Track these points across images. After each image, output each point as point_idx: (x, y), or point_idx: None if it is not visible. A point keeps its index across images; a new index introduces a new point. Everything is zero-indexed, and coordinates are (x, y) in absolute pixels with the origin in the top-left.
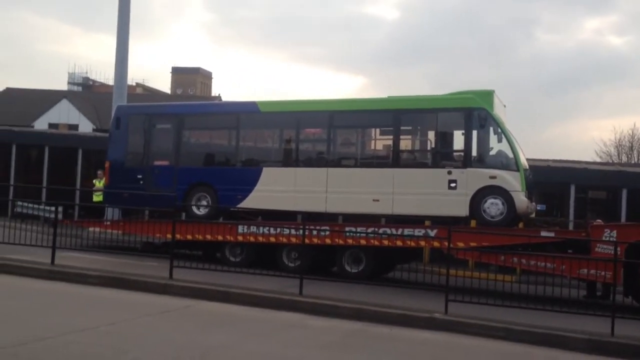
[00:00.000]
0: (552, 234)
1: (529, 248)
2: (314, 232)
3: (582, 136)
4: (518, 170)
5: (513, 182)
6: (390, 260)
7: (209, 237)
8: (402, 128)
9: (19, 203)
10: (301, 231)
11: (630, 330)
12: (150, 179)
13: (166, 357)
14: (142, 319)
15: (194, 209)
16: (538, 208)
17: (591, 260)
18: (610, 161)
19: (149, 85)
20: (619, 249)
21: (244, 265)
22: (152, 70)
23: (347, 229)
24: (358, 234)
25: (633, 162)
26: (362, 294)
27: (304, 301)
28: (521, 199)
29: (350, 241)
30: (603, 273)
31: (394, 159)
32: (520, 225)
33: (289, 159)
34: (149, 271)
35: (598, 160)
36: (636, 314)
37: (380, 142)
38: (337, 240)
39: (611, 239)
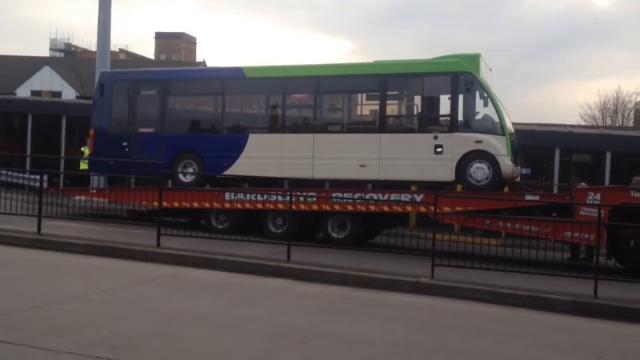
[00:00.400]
0: (536, 198)
1: (514, 212)
2: (301, 199)
3: (568, 99)
4: (504, 134)
5: (499, 147)
6: (374, 225)
7: (195, 204)
8: (388, 93)
9: (3, 172)
10: (287, 197)
11: (612, 292)
12: (136, 146)
13: (156, 324)
14: (131, 287)
15: (180, 176)
16: (523, 172)
17: (575, 223)
18: (595, 124)
19: (133, 51)
20: (602, 211)
21: (230, 232)
22: (135, 36)
23: (334, 194)
24: (345, 200)
25: (617, 125)
26: (349, 259)
27: (290, 267)
28: (506, 163)
29: (337, 207)
30: (587, 236)
31: (380, 124)
32: (506, 189)
33: (275, 125)
34: (136, 239)
35: (583, 123)
36: (618, 275)
37: (366, 108)
38: (324, 206)
39: (595, 202)
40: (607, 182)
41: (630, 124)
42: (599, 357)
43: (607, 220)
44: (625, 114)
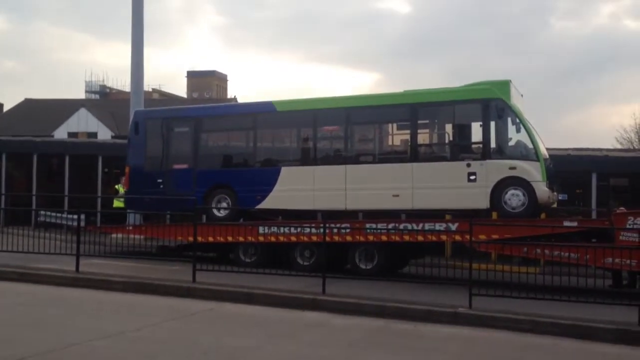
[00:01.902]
0: (575, 224)
1: (552, 239)
2: (334, 230)
3: (602, 123)
4: (538, 160)
5: (533, 172)
6: (402, 256)
7: (230, 238)
8: (419, 122)
9: (42, 212)
10: (319, 230)
11: None
12: (170, 182)
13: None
14: (168, 323)
15: (215, 211)
16: (560, 197)
17: (616, 249)
18: (631, 147)
19: (165, 90)
20: None
21: (258, 265)
22: (167, 75)
23: (367, 225)
24: (379, 231)
25: None
26: (384, 291)
27: (326, 300)
28: (542, 189)
29: (371, 238)
30: (628, 261)
31: (412, 154)
32: (543, 215)
33: (307, 157)
34: (171, 275)
35: (619, 146)
36: None
37: (397, 137)
38: (352, 237)
39: (635, 226)
40: None
41: None
42: None
43: None
44: None
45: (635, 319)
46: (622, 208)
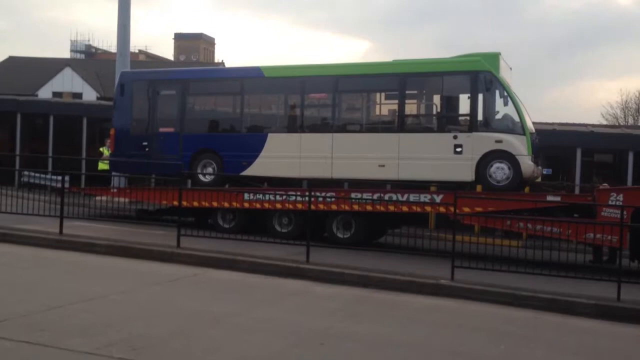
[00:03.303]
0: (558, 199)
1: (535, 213)
2: (320, 199)
3: (589, 98)
4: (524, 134)
5: (519, 146)
6: (380, 225)
7: (215, 204)
8: (407, 92)
9: (26, 173)
10: (303, 198)
11: (636, 295)
12: (156, 146)
13: (176, 325)
14: (151, 287)
15: (200, 176)
16: (544, 172)
17: (597, 225)
18: (617, 124)
19: (152, 52)
20: (625, 212)
21: (236, 231)
22: (154, 37)
23: (353, 195)
24: (365, 200)
25: (639, 124)
26: (368, 261)
27: (311, 268)
28: (527, 163)
29: (356, 207)
30: (609, 237)
31: (399, 124)
32: (527, 189)
33: (294, 124)
34: (156, 240)
35: (604, 122)
36: None
37: (385, 107)
38: (343, 206)
39: (617, 202)
40: (629, 182)
41: None
42: (618, 357)
43: (630, 222)
44: None
45: (614, 294)
46: (605, 184)
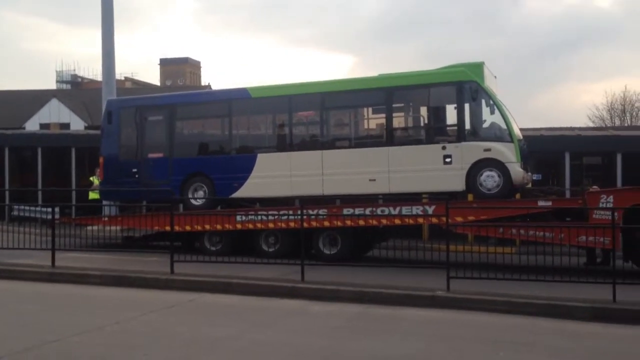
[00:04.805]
0: (549, 203)
1: (527, 218)
2: (312, 216)
3: (574, 102)
4: (512, 141)
5: (508, 154)
6: (367, 239)
7: (207, 227)
8: (394, 106)
9: (16, 207)
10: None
11: (631, 295)
12: (145, 171)
13: (174, 351)
14: (147, 315)
15: (192, 200)
16: (534, 178)
17: (589, 227)
18: (603, 125)
19: (138, 78)
20: (616, 214)
21: (223, 253)
22: (140, 63)
23: (345, 210)
24: (357, 215)
25: (626, 125)
26: (363, 276)
27: (305, 287)
28: (517, 170)
29: (348, 222)
30: (602, 239)
31: (388, 138)
32: (518, 196)
33: (283, 143)
34: (149, 267)
35: (591, 125)
36: (636, 278)
37: (373, 121)
38: (336, 222)
39: (608, 204)
40: (619, 183)
41: (639, 123)
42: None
43: (622, 222)
44: (634, 113)
45: (609, 296)
46: (595, 187)
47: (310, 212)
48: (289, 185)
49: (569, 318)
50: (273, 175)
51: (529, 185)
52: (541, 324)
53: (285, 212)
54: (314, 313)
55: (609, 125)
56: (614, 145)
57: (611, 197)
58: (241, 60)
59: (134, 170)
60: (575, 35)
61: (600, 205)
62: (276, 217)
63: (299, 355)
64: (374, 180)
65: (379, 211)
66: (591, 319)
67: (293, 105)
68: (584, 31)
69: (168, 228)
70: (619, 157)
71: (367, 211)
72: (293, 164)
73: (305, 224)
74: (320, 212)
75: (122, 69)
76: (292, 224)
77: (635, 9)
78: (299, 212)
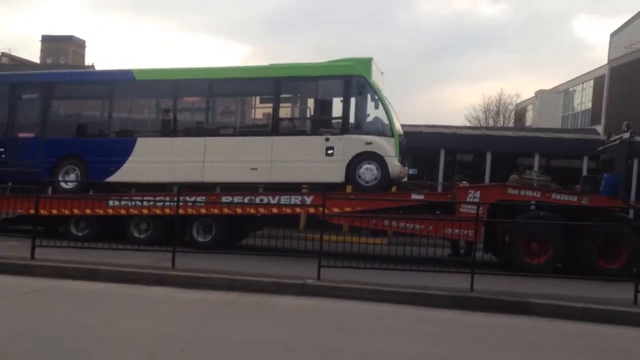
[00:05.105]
0: (421, 197)
1: (400, 211)
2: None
3: (456, 102)
4: (393, 136)
5: (388, 148)
6: (242, 228)
7: (76, 211)
8: (282, 96)
9: None
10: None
11: (489, 285)
12: (14, 151)
13: (29, 340)
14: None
15: (62, 184)
16: (410, 172)
17: (455, 220)
18: (479, 125)
19: (17, 54)
20: (481, 208)
21: (90, 239)
22: (19, 39)
23: (224, 198)
24: (235, 204)
25: (500, 125)
26: (236, 264)
27: (175, 275)
28: (395, 164)
29: (226, 210)
30: (466, 232)
31: (272, 127)
32: (394, 189)
33: (166, 128)
34: (7, 252)
35: (468, 124)
36: (494, 269)
37: (259, 111)
38: (213, 210)
39: (475, 199)
40: (487, 180)
41: (511, 124)
42: (467, 343)
43: (487, 217)
44: (507, 115)
45: (467, 285)
46: (464, 182)
47: (188, 198)
48: (167, 171)
49: (431, 306)
50: (152, 161)
51: (405, 179)
52: (404, 311)
53: (162, 198)
54: (182, 300)
55: (483, 125)
56: (484, 144)
57: (478, 192)
58: (130, 43)
59: (1, 149)
60: (461, 38)
61: (468, 200)
62: (151, 203)
63: (161, 342)
64: (256, 169)
65: (257, 200)
66: (450, 307)
67: (179, 90)
68: (469, 35)
69: (32, 211)
70: (488, 156)
71: (246, 199)
72: (174, 150)
73: (181, 211)
74: (198, 199)
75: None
76: (167, 211)
77: (518, 19)
78: (175, 198)
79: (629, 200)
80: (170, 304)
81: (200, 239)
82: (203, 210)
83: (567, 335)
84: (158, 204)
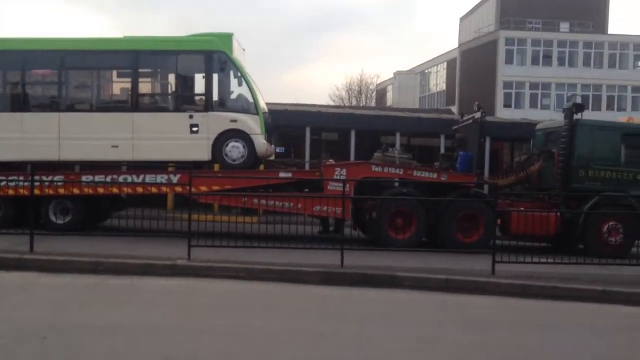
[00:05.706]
0: (289, 175)
1: (269, 189)
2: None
3: (321, 81)
4: (257, 113)
5: (253, 126)
6: (102, 208)
7: None
8: (141, 70)
9: None
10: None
11: (359, 260)
12: None
13: None
14: None
15: None
16: (277, 150)
17: (323, 198)
18: (342, 104)
19: None
20: (347, 185)
21: None
22: None
23: (84, 178)
24: (96, 183)
25: (362, 104)
26: (101, 246)
27: (34, 259)
28: (261, 142)
29: (87, 190)
30: (334, 209)
31: (133, 103)
32: (262, 167)
33: (15, 103)
34: None
35: (332, 103)
36: (362, 245)
37: (118, 85)
38: (72, 190)
39: (341, 177)
40: (352, 157)
41: (373, 103)
42: (339, 317)
43: (353, 194)
44: (368, 95)
45: (337, 261)
46: (331, 160)
47: (45, 178)
48: (19, 148)
49: (303, 282)
50: (0, 137)
51: (272, 157)
52: (276, 289)
53: (15, 177)
54: (41, 285)
55: (347, 104)
56: (349, 123)
57: (344, 170)
58: None
59: None
60: (327, 18)
61: (335, 177)
62: (3, 183)
63: (21, 331)
64: (117, 146)
65: (120, 179)
66: (321, 283)
67: (28, 62)
68: (336, 15)
69: None
70: (352, 133)
71: (108, 178)
72: (26, 127)
73: (37, 191)
74: (55, 178)
75: None
76: (22, 191)
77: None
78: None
79: (483, 176)
80: (31, 290)
81: (59, 221)
82: (62, 191)
83: (431, 305)
84: (11, 184)
